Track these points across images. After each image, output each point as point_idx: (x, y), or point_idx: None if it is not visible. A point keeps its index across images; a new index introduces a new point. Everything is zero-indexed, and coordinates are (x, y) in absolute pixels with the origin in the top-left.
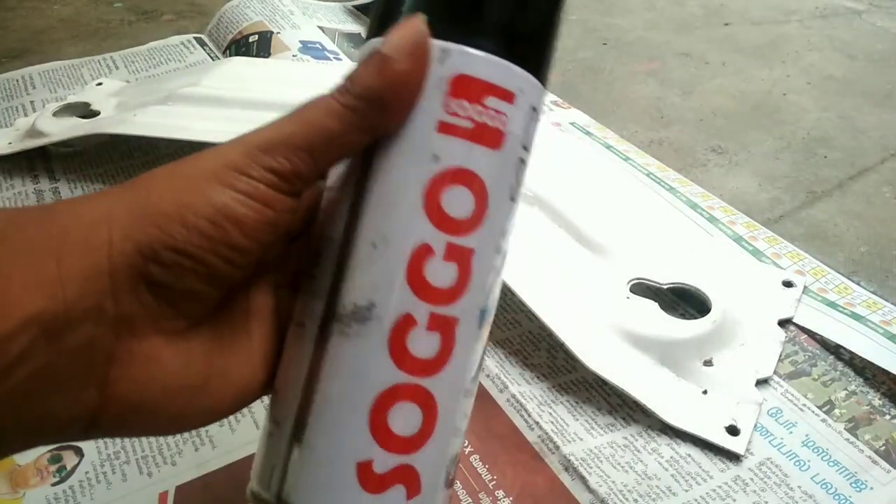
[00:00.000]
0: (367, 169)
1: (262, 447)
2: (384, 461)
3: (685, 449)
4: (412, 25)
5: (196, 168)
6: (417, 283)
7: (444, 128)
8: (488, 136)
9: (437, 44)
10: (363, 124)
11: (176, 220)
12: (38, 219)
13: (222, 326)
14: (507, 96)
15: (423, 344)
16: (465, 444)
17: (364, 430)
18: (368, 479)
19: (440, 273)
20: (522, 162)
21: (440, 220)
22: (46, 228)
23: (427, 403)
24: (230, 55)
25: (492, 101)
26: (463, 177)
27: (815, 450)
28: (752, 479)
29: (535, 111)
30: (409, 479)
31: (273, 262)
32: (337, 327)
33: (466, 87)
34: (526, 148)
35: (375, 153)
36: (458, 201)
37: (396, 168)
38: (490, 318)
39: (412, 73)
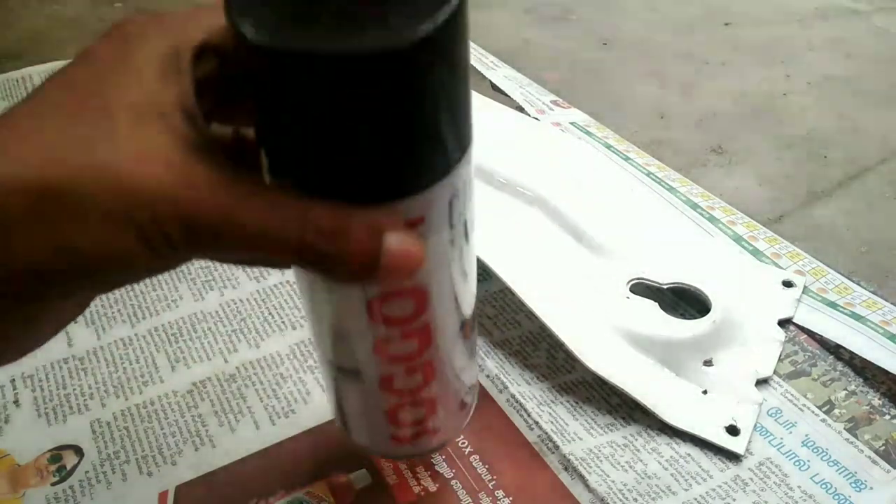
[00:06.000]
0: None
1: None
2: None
3: (685, 448)
4: (413, 251)
5: None
6: (387, 356)
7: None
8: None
9: None
10: (310, 258)
11: None
12: None
13: None
14: (415, 223)
15: (405, 381)
16: (465, 443)
17: (385, 433)
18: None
19: (402, 347)
20: (454, 227)
21: (387, 321)
22: None
23: (427, 405)
24: None
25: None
26: (398, 293)
27: (815, 450)
28: (751, 479)
29: (452, 187)
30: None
31: None
32: (339, 373)
33: None
34: (455, 206)
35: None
36: (398, 308)
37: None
38: (468, 317)
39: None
